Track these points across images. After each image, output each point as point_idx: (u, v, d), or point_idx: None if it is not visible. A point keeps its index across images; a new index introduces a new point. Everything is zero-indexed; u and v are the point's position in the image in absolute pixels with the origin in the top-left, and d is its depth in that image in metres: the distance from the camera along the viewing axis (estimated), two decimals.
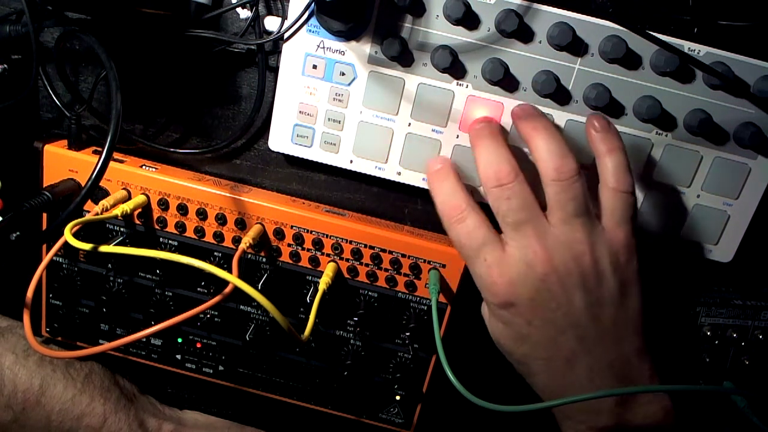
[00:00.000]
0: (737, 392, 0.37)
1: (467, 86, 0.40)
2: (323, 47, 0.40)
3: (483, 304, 0.41)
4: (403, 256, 0.43)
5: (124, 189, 0.43)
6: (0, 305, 0.51)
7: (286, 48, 0.40)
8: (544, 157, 0.36)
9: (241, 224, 0.43)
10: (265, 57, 0.43)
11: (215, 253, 0.44)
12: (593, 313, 0.36)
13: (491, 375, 0.50)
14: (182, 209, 0.43)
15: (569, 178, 0.35)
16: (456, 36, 0.39)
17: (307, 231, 0.43)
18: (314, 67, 0.40)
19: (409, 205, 0.46)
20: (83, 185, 0.34)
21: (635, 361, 0.37)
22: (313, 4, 0.38)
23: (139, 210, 0.43)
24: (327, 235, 0.43)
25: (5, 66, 0.40)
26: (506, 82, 0.39)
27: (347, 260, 0.44)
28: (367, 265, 0.44)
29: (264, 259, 0.45)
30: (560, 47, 0.38)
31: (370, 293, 0.45)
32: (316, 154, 0.43)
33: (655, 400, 0.37)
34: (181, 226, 0.44)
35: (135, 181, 0.43)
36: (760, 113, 0.39)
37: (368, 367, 0.47)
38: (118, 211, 0.40)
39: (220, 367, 0.49)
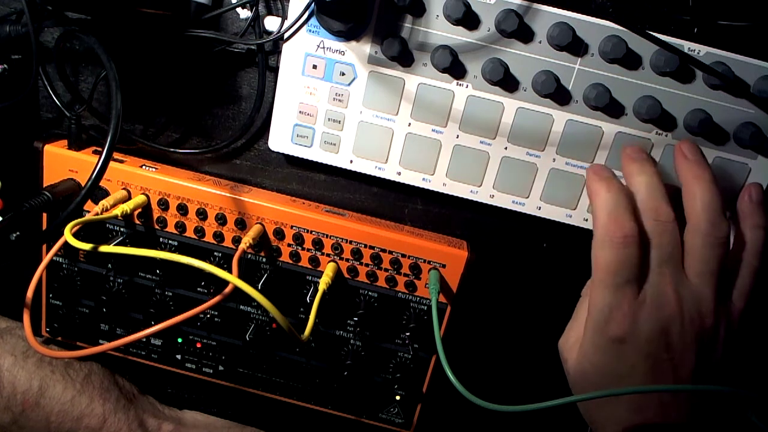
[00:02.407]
0: (737, 392, 0.36)
1: (467, 86, 0.40)
2: (323, 47, 0.40)
3: (565, 337, 0.40)
4: (403, 256, 0.43)
5: (124, 189, 0.43)
6: (0, 305, 0.51)
7: (286, 48, 0.40)
8: (700, 209, 0.35)
9: (241, 224, 0.43)
10: (265, 57, 0.43)
11: (215, 253, 0.44)
12: (696, 376, 0.36)
13: (491, 375, 0.50)
14: (182, 209, 0.43)
15: (720, 238, 0.35)
16: (456, 36, 0.39)
17: (307, 231, 0.43)
18: (314, 67, 0.40)
19: (409, 205, 0.46)
20: (83, 185, 0.34)
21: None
22: (313, 4, 0.38)
23: (139, 210, 0.43)
24: (327, 235, 0.43)
25: (5, 66, 0.40)
26: (506, 82, 0.39)
27: (347, 260, 0.44)
28: (367, 265, 0.44)
29: (264, 259, 0.45)
30: (560, 47, 0.38)
31: (370, 293, 0.45)
32: (316, 154, 0.43)
33: None
34: (181, 226, 0.44)
35: (135, 181, 0.43)
36: (760, 113, 0.39)
37: (368, 367, 0.47)
38: (118, 211, 0.40)
39: (220, 367, 0.49)
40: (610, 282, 0.36)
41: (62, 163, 0.43)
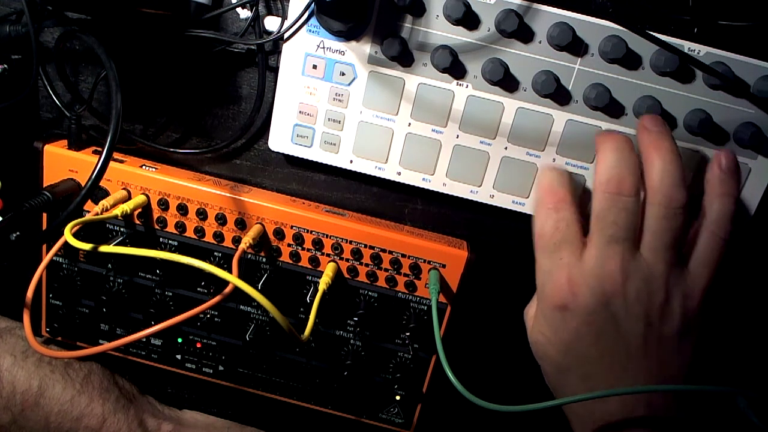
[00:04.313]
0: (737, 392, 0.36)
1: (467, 86, 0.40)
2: (323, 47, 0.40)
3: (528, 307, 0.40)
4: (403, 256, 0.43)
5: (124, 189, 0.43)
6: (0, 305, 0.51)
7: (286, 48, 0.40)
8: (658, 179, 0.34)
9: (241, 224, 0.43)
10: (265, 57, 0.43)
11: (215, 253, 0.44)
12: (647, 347, 0.35)
13: (491, 375, 0.50)
14: (182, 209, 0.43)
15: (676, 209, 0.34)
16: (456, 36, 0.39)
17: (307, 231, 0.43)
18: (314, 67, 0.40)
19: (409, 205, 0.46)
20: (83, 185, 0.34)
21: (673, 407, 0.36)
22: (313, 4, 0.38)
23: (139, 210, 0.43)
24: (327, 235, 0.43)
25: (5, 66, 0.40)
26: (506, 82, 0.39)
27: (347, 260, 0.44)
28: (367, 265, 0.44)
29: (264, 259, 0.45)
30: (560, 47, 0.38)
31: (370, 293, 0.45)
32: (316, 154, 0.43)
33: None
34: (181, 226, 0.44)
35: (135, 181, 0.43)
36: (760, 113, 0.39)
37: (368, 367, 0.47)
38: (118, 211, 0.40)
39: (220, 367, 0.49)
40: (544, 245, 0.36)
41: (62, 163, 0.43)
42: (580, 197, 0.40)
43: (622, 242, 0.34)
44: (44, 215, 0.44)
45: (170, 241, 0.45)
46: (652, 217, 0.34)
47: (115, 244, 0.44)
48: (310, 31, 0.39)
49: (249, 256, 0.44)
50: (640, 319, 0.35)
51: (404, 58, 0.39)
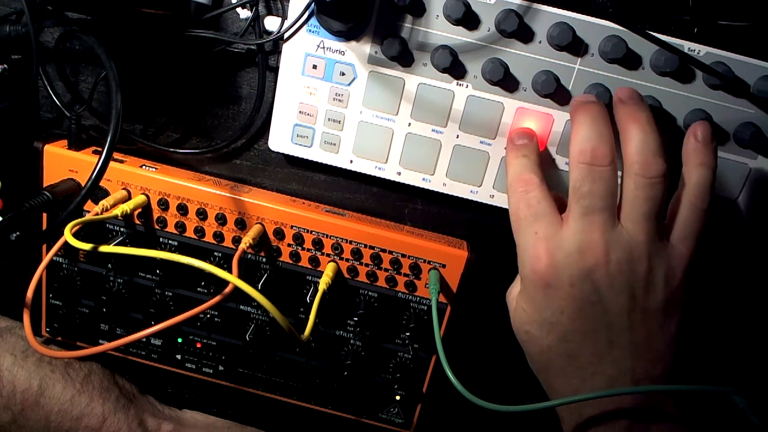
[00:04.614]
0: (737, 392, 0.36)
1: (467, 86, 0.40)
2: (323, 47, 0.40)
3: (510, 288, 0.39)
4: (403, 256, 0.43)
5: (124, 189, 0.43)
6: (0, 305, 0.51)
7: (286, 48, 0.40)
8: (635, 150, 0.34)
9: (241, 224, 0.43)
10: (265, 57, 0.43)
11: (215, 253, 0.44)
12: (632, 321, 0.34)
13: (491, 375, 0.50)
14: (182, 209, 0.43)
15: (654, 178, 0.33)
16: (456, 36, 0.39)
17: (307, 231, 0.43)
18: (314, 67, 0.40)
19: (409, 205, 0.46)
20: (83, 185, 0.34)
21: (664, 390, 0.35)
22: (313, 4, 0.38)
23: (139, 210, 0.43)
24: (327, 235, 0.43)
25: (5, 66, 0.40)
26: (506, 82, 0.39)
27: (347, 260, 0.44)
28: (367, 265, 0.44)
29: (264, 259, 0.45)
30: (560, 47, 0.38)
31: (370, 293, 0.45)
32: (316, 154, 0.43)
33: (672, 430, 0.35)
34: (181, 226, 0.44)
35: (135, 181, 0.43)
36: (760, 113, 0.39)
37: (368, 367, 0.47)
38: (118, 211, 0.40)
39: (220, 367, 0.49)
40: (519, 224, 0.36)
41: (62, 163, 0.43)
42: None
43: (600, 212, 0.34)
44: (44, 215, 0.45)
45: (170, 241, 0.45)
46: (630, 188, 0.34)
47: (115, 244, 0.44)
48: (310, 31, 0.39)
49: (249, 256, 0.45)
50: (623, 292, 0.34)
51: (404, 58, 0.39)
